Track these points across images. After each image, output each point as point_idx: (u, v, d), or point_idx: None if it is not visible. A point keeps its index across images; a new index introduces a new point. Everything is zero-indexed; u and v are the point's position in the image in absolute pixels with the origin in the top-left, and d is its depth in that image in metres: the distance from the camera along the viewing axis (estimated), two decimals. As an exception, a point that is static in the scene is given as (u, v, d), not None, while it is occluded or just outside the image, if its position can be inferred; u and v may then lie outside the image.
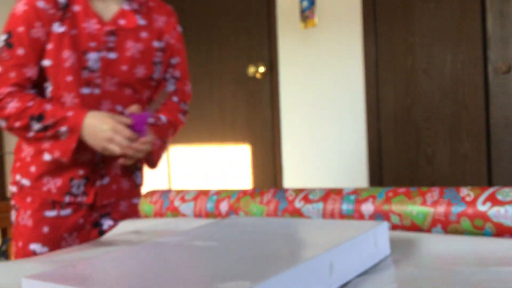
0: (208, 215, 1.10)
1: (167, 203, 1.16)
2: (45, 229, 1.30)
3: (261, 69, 3.04)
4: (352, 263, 0.60)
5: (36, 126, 1.22)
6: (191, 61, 3.38)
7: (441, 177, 2.50)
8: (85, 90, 1.28)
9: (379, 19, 2.62)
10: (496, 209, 0.73)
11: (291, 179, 3.00)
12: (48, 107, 1.23)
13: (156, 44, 1.37)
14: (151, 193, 1.27)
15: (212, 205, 1.07)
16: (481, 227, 0.74)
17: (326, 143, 2.84)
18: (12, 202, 1.36)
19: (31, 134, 1.24)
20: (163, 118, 1.39)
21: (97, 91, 1.29)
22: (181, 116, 1.47)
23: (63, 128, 1.22)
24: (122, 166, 1.36)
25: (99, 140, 1.20)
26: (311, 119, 2.88)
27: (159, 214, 1.24)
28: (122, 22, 1.31)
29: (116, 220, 1.36)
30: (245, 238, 0.66)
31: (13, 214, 1.35)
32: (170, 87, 1.45)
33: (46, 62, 1.26)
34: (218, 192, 1.10)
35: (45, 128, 1.22)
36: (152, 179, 3.54)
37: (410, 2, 2.53)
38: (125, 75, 1.31)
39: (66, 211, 1.32)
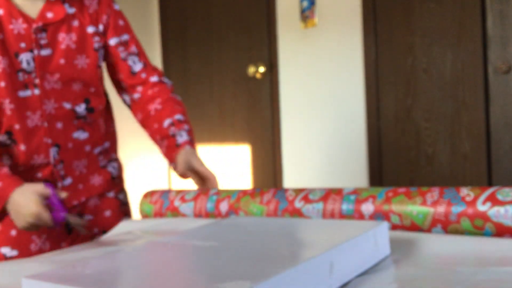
0: (208, 215, 1.10)
1: (167, 203, 1.16)
2: (13, 232, 1.27)
3: (261, 69, 3.04)
4: (352, 263, 0.60)
5: None
6: (192, 61, 3.39)
7: (441, 177, 2.50)
8: (24, 93, 1.23)
9: (379, 19, 2.62)
10: (496, 209, 0.73)
11: (291, 179, 3.00)
12: None
13: (91, 29, 1.30)
14: (151, 193, 1.27)
15: (212, 205, 1.07)
16: (481, 227, 0.74)
17: (326, 143, 2.84)
18: None
19: None
20: (180, 117, 1.33)
21: (37, 91, 1.24)
22: (177, 96, 1.40)
23: None
24: (90, 163, 1.33)
25: (20, 220, 1.15)
26: (311, 119, 2.89)
27: (159, 214, 1.24)
28: (49, 15, 1.25)
29: (83, 215, 1.33)
30: (245, 238, 0.66)
31: None
32: (137, 66, 1.36)
33: None
34: (218, 192, 1.10)
35: None
36: (152, 179, 3.54)
37: (410, 2, 2.53)
38: (65, 69, 1.26)
39: None
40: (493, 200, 0.74)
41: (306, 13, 2.84)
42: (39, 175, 1.27)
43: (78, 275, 0.54)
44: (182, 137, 1.29)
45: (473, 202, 0.75)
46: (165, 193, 1.23)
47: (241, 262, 0.54)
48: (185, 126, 1.32)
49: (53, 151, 1.27)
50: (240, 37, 3.16)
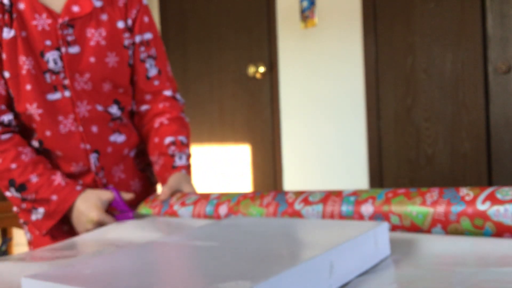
0: (206, 218, 1.10)
1: (166, 208, 1.15)
2: (65, 228, 1.19)
3: (261, 69, 3.04)
4: (352, 263, 0.60)
5: (14, 192, 1.12)
6: (192, 61, 3.39)
7: (441, 177, 2.50)
8: (53, 96, 1.13)
9: (379, 19, 2.63)
10: (495, 208, 0.73)
11: (291, 180, 3.00)
12: (34, 178, 1.10)
13: (121, 24, 1.20)
14: (153, 199, 1.25)
15: (211, 208, 1.07)
16: (481, 227, 0.74)
17: (326, 143, 2.84)
18: (20, 221, 1.25)
19: (6, 193, 1.14)
20: (183, 139, 1.25)
21: (68, 93, 1.14)
22: (186, 117, 1.30)
23: (41, 209, 1.12)
24: (127, 166, 1.26)
25: (80, 227, 1.11)
26: (311, 119, 2.89)
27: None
28: (75, 9, 1.14)
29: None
30: (245, 238, 0.66)
31: (26, 231, 1.24)
32: (152, 71, 1.26)
33: (6, 74, 1.11)
34: (219, 197, 1.10)
35: (23, 199, 1.12)
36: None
37: (410, 2, 2.54)
38: (96, 68, 1.16)
39: None
40: (493, 199, 0.74)
41: (306, 13, 2.84)
42: (80, 182, 1.20)
43: (78, 275, 0.54)
44: (181, 160, 1.22)
45: (472, 202, 0.75)
46: (167, 199, 1.23)
47: (241, 262, 0.54)
48: (186, 149, 1.25)
49: (93, 158, 1.19)
50: (240, 37, 3.16)
